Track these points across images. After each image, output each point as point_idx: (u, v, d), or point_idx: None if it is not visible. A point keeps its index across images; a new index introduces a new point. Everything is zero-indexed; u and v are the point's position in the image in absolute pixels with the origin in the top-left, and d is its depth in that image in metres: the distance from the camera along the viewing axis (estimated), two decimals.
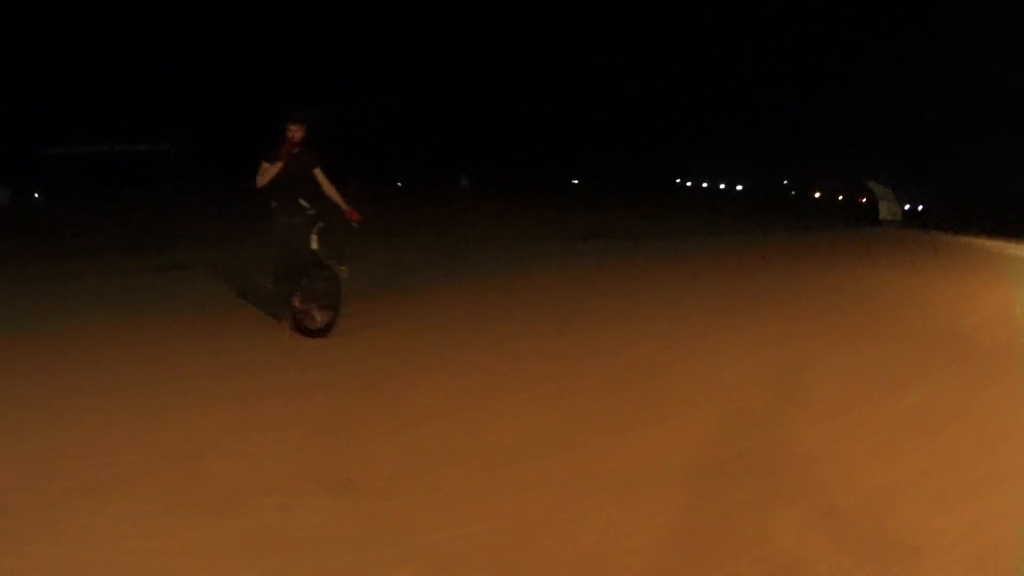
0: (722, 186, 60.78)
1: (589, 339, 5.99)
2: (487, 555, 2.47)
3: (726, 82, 64.67)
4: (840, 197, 38.86)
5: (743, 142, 60.77)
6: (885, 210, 26.36)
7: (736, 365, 5.13)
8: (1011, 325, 7.12)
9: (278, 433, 3.65)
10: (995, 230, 23.93)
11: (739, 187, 59.20)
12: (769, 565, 2.42)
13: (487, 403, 4.23)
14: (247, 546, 2.52)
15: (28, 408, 3.98)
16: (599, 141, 58.67)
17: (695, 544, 2.57)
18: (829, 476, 3.16)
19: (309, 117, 5.87)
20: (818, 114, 60.23)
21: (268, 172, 5.67)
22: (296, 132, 5.72)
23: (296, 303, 5.87)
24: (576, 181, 57.32)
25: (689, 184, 62.32)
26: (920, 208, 34.86)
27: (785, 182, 55.64)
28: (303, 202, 5.81)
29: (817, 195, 43.29)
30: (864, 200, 28.52)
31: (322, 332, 5.74)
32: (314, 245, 5.81)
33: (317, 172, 5.86)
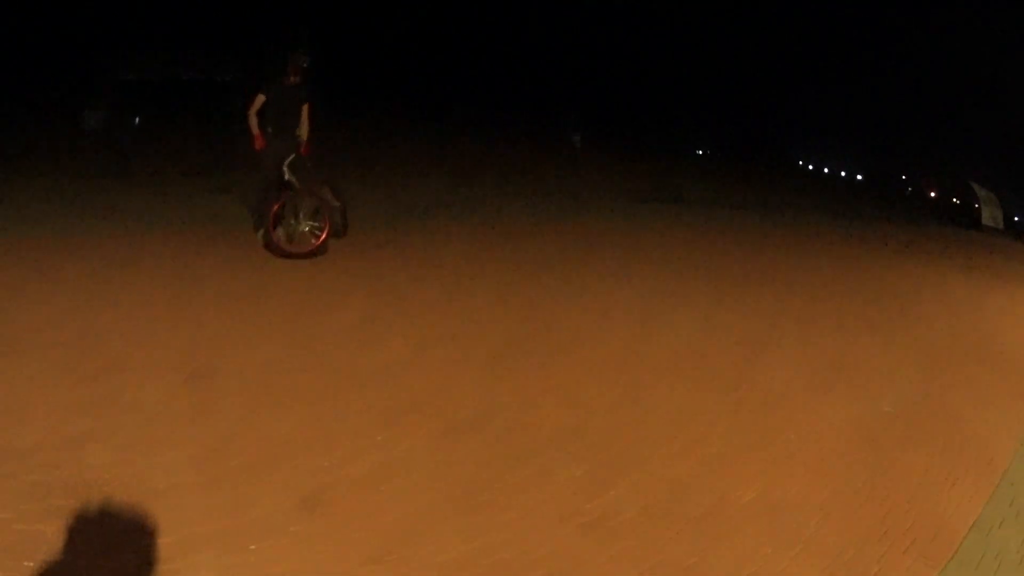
0: (843, 173, 60.15)
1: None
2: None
3: (864, 76, 61.46)
4: (933, 194, 36.18)
5: (868, 131, 58.82)
6: (988, 215, 23.69)
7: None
8: None
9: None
10: None
11: (858, 176, 59.05)
12: None
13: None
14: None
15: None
16: (732, 117, 57.14)
17: None
18: None
19: (311, 51, 6.07)
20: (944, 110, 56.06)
21: (258, 102, 5.87)
22: (301, 62, 5.93)
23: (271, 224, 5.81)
24: (700, 152, 56.65)
25: (811, 167, 62.14)
26: (1016, 219, 31.80)
27: (904, 176, 53.37)
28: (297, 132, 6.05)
29: (932, 194, 40.80)
30: (957, 200, 25.81)
31: (303, 255, 5.79)
32: (287, 175, 5.88)
33: (305, 107, 6.08)
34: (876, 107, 59.92)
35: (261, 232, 5.98)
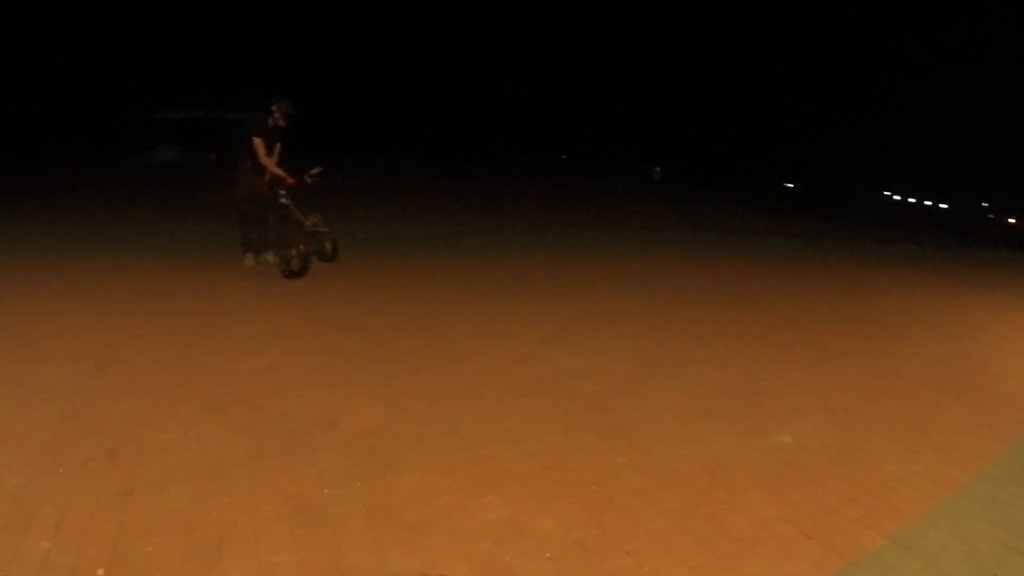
0: (927, 203, 58.90)
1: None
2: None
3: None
4: (1011, 221, 33.79)
5: (951, 160, 56.07)
6: None
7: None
8: None
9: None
10: None
11: (942, 205, 57.75)
12: None
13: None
14: None
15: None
16: (821, 150, 56.06)
17: None
18: None
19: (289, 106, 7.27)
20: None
21: (262, 146, 7.09)
22: (288, 109, 7.14)
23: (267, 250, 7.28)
24: (791, 185, 55.62)
25: (896, 198, 61.21)
26: None
27: (984, 204, 50.70)
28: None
29: (1012, 221, 38.35)
30: (1013, 222, 24.05)
31: (296, 274, 6.82)
32: (283, 199, 6.98)
33: (278, 146, 7.29)
34: (962, 135, 56.96)
35: (250, 257, 7.24)
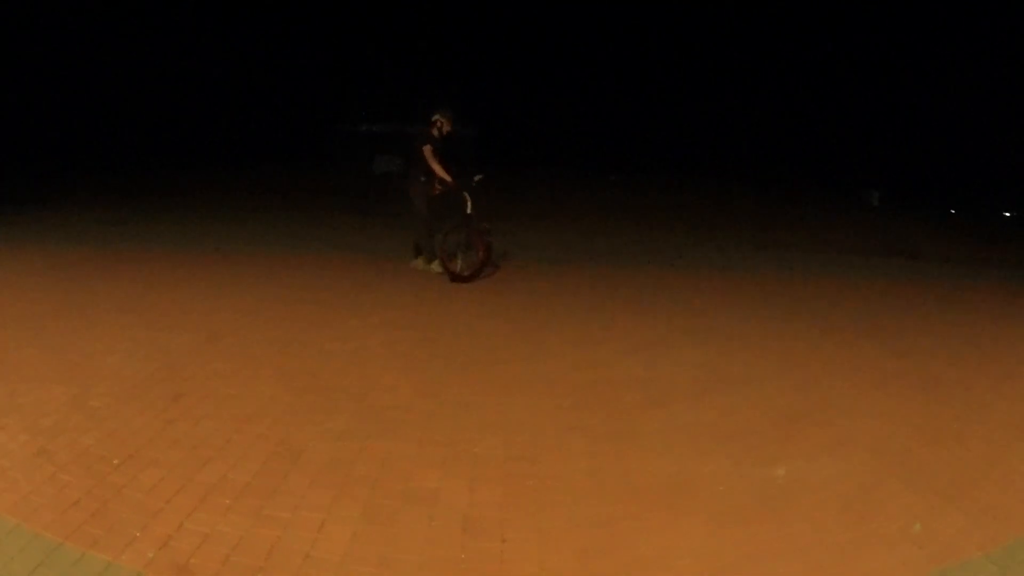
0: None
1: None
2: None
3: None
4: None
5: None
6: None
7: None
8: None
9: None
10: None
11: None
12: None
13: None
14: None
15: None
16: None
17: None
18: None
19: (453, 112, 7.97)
20: None
21: (430, 154, 7.77)
22: (451, 118, 7.84)
23: (441, 252, 7.78)
24: (1008, 213, 47.08)
25: None
26: None
27: None
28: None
29: None
30: None
31: (465, 278, 7.46)
32: (468, 209, 7.60)
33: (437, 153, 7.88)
34: None
35: (420, 260, 8.11)
